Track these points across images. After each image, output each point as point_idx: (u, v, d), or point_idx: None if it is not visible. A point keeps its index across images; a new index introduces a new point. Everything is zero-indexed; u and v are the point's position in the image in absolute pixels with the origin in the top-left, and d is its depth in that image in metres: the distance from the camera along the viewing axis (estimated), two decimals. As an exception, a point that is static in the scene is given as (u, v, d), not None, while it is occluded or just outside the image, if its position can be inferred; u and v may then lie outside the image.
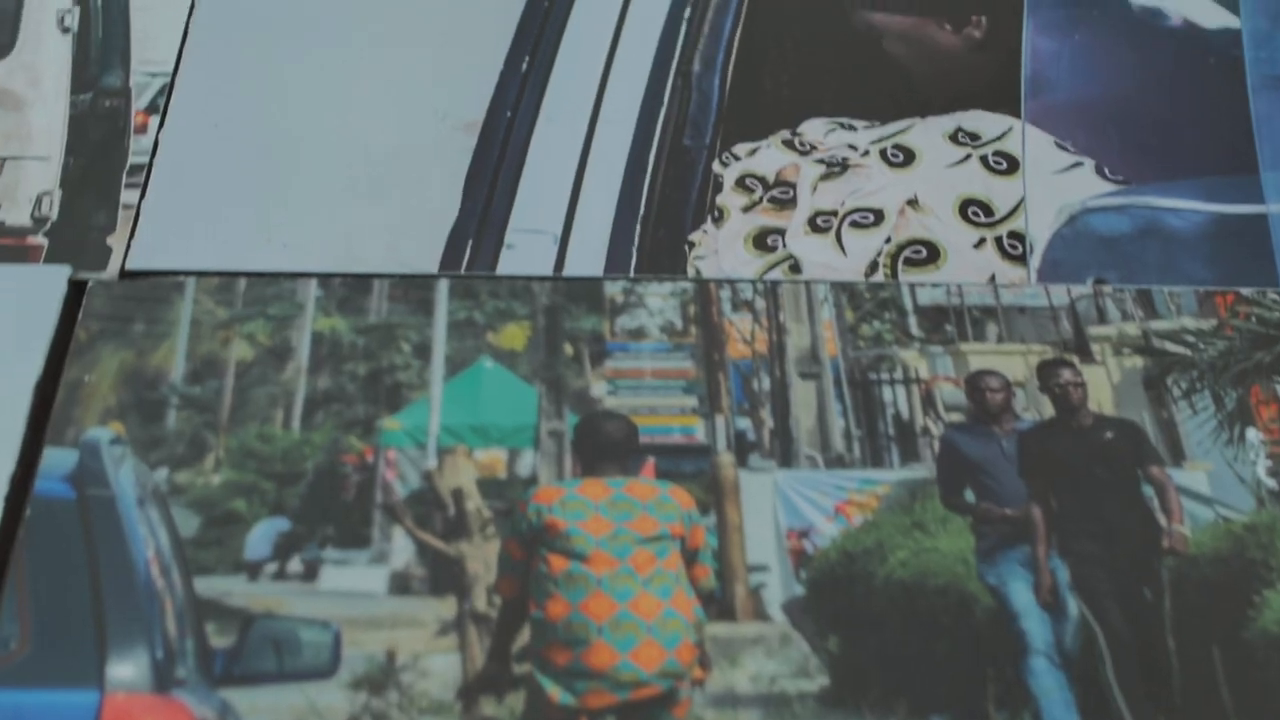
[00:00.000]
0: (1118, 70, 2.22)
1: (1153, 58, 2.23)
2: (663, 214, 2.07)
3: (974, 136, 2.14)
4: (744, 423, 1.90)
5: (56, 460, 1.85)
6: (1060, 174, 2.11)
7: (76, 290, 2.01)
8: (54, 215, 2.09)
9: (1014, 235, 2.05)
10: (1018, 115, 2.16)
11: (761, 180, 2.10)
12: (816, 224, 2.06)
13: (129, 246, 2.04)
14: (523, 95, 2.19)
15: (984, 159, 2.12)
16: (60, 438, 1.87)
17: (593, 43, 2.25)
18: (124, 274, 2.02)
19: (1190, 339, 1.96)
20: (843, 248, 2.04)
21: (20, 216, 2.09)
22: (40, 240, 2.07)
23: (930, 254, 2.04)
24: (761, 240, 2.05)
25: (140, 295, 2.00)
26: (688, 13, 2.28)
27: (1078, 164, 2.11)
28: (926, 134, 2.15)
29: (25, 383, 1.91)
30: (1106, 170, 2.11)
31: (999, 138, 2.14)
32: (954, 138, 2.14)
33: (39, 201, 2.10)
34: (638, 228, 2.06)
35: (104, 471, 1.83)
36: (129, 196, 2.10)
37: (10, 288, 2.00)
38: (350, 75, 2.21)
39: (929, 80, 2.21)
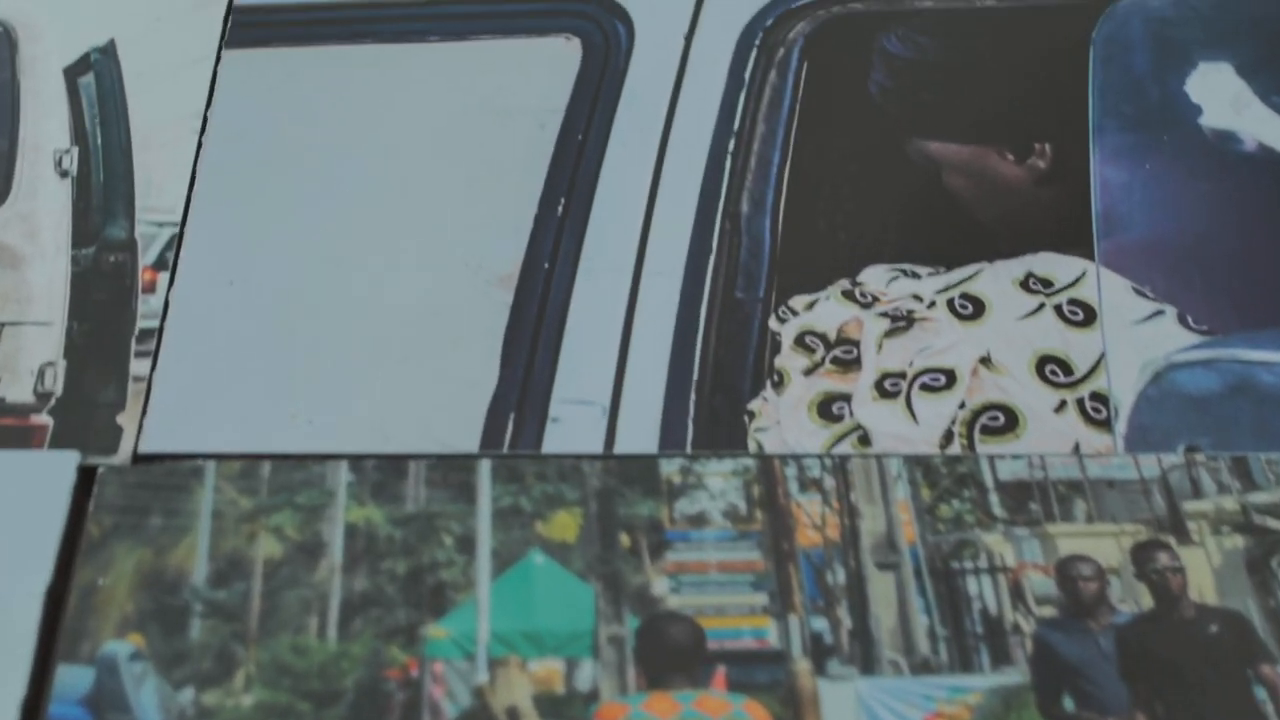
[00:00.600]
0: (1193, 204, 2.08)
1: (1229, 189, 2.09)
2: (718, 379, 1.92)
3: (1046, 283, 2.00)
4: (819, 622, 1.74)
5: (71, 680, 1.70)
6: (1140, 324, 1.96)
7: (86, 477, 1.85)
8: (58, 390, 1.93)
9: (1096, 397, 1.90)
10: (1090, 257, 2.02)
11: (822, 338, 1.96)
12: (884, 388, 1.92)
13: (141, 426, 1.89)
14: (559, 244, 2.04)
15: (1058, 309, 1.98)
16: (74, 653, 1.71)
17: (632, 182, 2.09)
18: (137, 458, 1.87)
19: (1293, 515, 1.82)
20: (914, 415, 1.90)
21: (23, 392, 1.93)
22: (45, 419, 1.91)
23: (1008, 420, 1.89)
24: (826, 408, 1.90)
25: (156, 483, 1.85)
26: (731, 145, 2.12)
27: (1159, 312, 1.97)
28: (995, 281, 2.00)
29: (35, 589, 1.75)
30: (1189, 319, 1.96)
31: (1073, 284, 2.00)
32: (1025, 285, 2.00)
33: (42, 374, 1.94)
34: (692, 395, 1.91)
35: (124, 693, 1.69)
36: (139, 367, 1.94)
37: (15, 476, 1.84)
38: (374, 222, 2.06)
39: (994, 218, 2.07)
